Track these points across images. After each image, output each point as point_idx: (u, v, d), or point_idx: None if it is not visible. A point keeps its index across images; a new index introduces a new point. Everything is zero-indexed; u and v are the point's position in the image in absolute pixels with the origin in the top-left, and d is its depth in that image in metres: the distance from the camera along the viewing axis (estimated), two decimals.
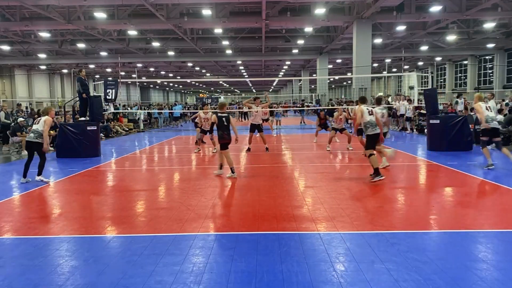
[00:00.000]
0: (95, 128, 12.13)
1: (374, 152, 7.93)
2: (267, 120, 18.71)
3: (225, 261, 4.04)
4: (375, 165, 7.73)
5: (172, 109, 30.15)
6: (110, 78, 17.62)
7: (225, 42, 30.18)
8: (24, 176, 8.20)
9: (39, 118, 8.37)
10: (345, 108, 15.11)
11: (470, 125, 12.41)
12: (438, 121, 11.92)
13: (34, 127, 8.21)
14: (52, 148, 13.73)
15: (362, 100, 8.52)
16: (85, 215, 5.88)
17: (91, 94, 13.13)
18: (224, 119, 8.36)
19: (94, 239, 4.83)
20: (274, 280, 3.59)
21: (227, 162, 8.47)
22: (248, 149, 12.48)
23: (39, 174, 8.13)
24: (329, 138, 12.86)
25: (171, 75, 53.20)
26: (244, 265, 3.91)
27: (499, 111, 16.84)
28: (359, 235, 4.72)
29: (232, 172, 8.40)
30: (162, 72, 50.70)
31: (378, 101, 9.66)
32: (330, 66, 40.21)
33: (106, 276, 3.75)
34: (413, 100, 16.72)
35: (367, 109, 8.11)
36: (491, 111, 9.01)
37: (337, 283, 3.51)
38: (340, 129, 12.91)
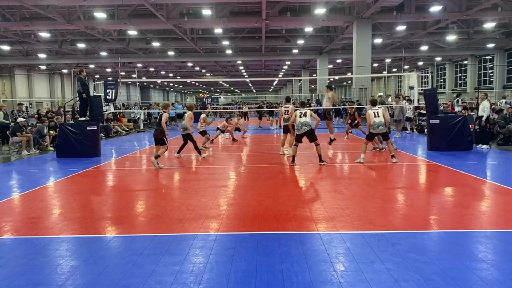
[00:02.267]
0: (95, 128, 12.13)
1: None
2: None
3: (225, 261, 4.04)
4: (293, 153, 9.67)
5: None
6: (110, 78, 17.63)
7: (225, 42, 30.18)
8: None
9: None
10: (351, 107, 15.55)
11: (470, 125, 12.41)
12: (438, 121, 11.91)
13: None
14: (52, 148, 13.75)
15: (301, 105, 10.49)
16: (85, 215, 5.88)
17: (91, 94, 13.13)
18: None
19: (94, 239, 4.84)
20: (274, 280, 3.59)
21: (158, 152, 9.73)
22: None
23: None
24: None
25: (171, 75, 53.19)
26: (244, 265, 3.91)
27: (498, 112, 16.86)
28: (359, 235, 4.72)
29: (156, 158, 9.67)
30: (162, 72, 50.69)
31: (373, 103, 10.19)
32: (330, 66, 40.21)
33: (106, 276, 3.75)
34: (413, 100, 16.72)
35: (300, 112, 9.59)
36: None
37: (337, 283, 3.51)
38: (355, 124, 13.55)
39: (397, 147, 11.95)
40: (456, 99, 19.04)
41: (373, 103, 10.21)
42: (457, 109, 17.78)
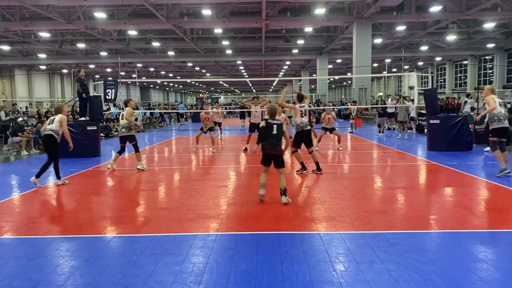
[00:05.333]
0: (95, 128, 12.13)
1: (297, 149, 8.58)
2: None
3: (225, 261, 4.04)
4: (299, 159, 8.55)
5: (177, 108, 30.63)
6: (110, 78, 17.60)
7: (225, 42, 30.19)
8: (58, 177, 7.92)
9: (52, 118, 8.05)
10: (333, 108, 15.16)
11: (470, 125, 12.40)
12: (438, 121, 11.92)
13: (49, 127, 7.88)
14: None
15: (299, 99, 8.79)
16: (85, 215, 5.88)
17: (91, 94, 13.13)
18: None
19: (94, 239, 4.83)
20: (274, 280, 3.58)
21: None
22: (245, 149, 12.42)
23: (38, 176, 7.68)
24: (318, 137, 12.87)
25: (171, 75, 53.20)
26: (244, 265, 3.91)
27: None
28: (359, 235, 4.72)
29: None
30: (162, 72, 50.71)
31: (300, 98, 8.79)
32: (330, 66, 40.23)
33: (106, 276, 3.74)
34: (414, 100, 16.70)
35: (301, 110, 8.51)
36: (504, 107, 7.94)
37: (337, 283, 3.51)
38: (330, 129, 12.92)
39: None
40: (465, 100, 18.87)
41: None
42: (466, 109, 17.67)
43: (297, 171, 8.71)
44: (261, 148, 6.42)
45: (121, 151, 9.65)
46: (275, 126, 6.36)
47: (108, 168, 9.59)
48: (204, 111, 12.82)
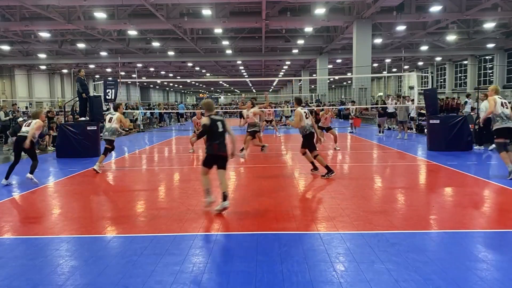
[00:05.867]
0: (95, 128, 12.13)
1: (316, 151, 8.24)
2: (270, 121, 18.67)
3: (225, 261, 4.04)
4: (323, 163, 8.14)
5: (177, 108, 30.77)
6: (110, 78, 17.60)
7: (225, 42, 30.19)
8: (7, 178, 8.02)
9: (29, 121, 8.24)
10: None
11: (470, 125, 12.40)
12: (438, 121, 11.91)
13: (24, 129, 8.06)
14: (52, 148, 13.74)
15: (298, 102, 8.56)
16: (85, 215, 5.88)
17: (91, 94, 13.13)
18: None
19: (94, 239, 4.83)
20: (274, 280, 3.58)
21: None
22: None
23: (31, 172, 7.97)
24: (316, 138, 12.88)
25: (171, 75, 53.20)
26: (244, 265, 3.91)
27: None
28: (359, 235, 4.72)
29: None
30: (162, 72, 50.70)
31: (299, 102, 8.75)
32: (330, 66, 40.23)
33: (106, 276, 3.74)
34: (414, 100, 16.69)
35: (305, 112, 8.22)
36: (507, 107, 7.72)
37: (337, 283, 3.51)
38: (326, 128, 12.92)
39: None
40: (465, 100, 18.83)
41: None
42: (466, 109, 17.65)
43: (323, 175, 8.17)
44: (207, 148, 5.84)
45: (111, 150, 9.67)
46: (219, 123, 5.75)
47: (94, 169, 9.24)
48: (196, 116, 12.84)
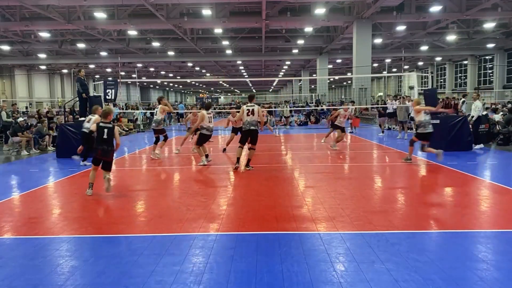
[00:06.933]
0: None
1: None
2: (265, 122, 18.62)
3: (225, 261, 4.04)
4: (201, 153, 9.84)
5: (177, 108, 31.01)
6: (110, 78, 17.63)
7: (225, 42, 30.18)
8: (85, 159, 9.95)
9: (89, 117, 9.74)
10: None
11: (470, 125, 12.41)
12: (438, 121, 11.90)
13: (86, 125, 9.52)
14: (52, 148, 13.74)
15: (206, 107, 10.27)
16: (85, 215, 5.88)
17: (91, 94, 13.12)
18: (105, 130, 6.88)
19: (94, 239, 4.83)
20: (274, 280, 3.59)
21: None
22: (224, 150, 12.58)
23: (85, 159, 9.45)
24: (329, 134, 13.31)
25: (171, 75, 53.20)
26: (244, 265, 3.91)
27: (495, 110, 16.86)
28: (359, 235, 4.72)
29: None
30: (162, 72, 50.70)
31: (250, 99, 9.59)
32: (330, 66, 40.23)
33: (106, 276, 3.74)
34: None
35: (247, 109, 9.01)
36: (427, 114, 9.48)
37: (337, 283, 3.51)
38: (342, 128, 12.59)
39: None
40: (462, 100, 18.83)
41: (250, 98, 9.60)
42: (463, 109, 17.63)
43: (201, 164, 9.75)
44: (94, 150, 6.90)
45: (165, 138, 11.48)
46: (106, 130, 6.60)
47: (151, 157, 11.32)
48: (207, 112, 12.85)
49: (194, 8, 22.46)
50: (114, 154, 7.21)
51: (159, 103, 11.52)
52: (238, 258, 4.08)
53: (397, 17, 21.66)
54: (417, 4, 21.69)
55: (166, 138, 11.51)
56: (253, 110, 9.03)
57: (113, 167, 9.58)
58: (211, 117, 10.07)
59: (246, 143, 9.23)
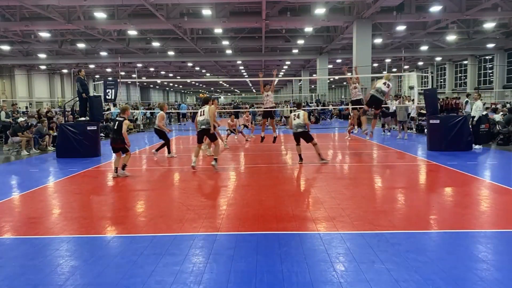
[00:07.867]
0: (95, 128, 12.13)
1: None
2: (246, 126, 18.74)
3: (225, 261, 4.04)
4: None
5: (178, 108, 30.91)
6: (110, 78, 17.60)
7: (225, 42, 30.17)
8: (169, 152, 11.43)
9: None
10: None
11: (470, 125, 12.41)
12: (438, 121, 11.91)
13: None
14: (52, 148, 13.73)
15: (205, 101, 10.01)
16: (85, 215, 5.88)
17: (91, 94, 13.12)
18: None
19: (94, 239, 4.83)
20: (274, 280, 3.59)
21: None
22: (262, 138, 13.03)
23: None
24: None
25: (171, 75, 53.19)
26: (244, 265, 3.91)
27: (495, 110, 16.85)
28: (359, 235, 4.72)
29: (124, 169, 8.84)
30: (162, 72, 50.69)
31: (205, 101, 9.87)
32: (330, 66, 40.20)
33: (106, 276, 3.75)
34: (414, 100, 16.65)
35: (202, 109, 9.39)
36: (387, 87, 10.40)
37: (337, 283, 3.51)
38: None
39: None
40: (466, 100, 18.81)
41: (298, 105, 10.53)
42: (467, 109, 17.61)
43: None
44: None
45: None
46: (117, 122, 8.58)
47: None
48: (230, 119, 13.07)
49: (194, 8, 22.45)
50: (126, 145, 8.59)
51: (207, 104, 9.90)
52: (238, 258, 4.08)
53: (397, 17, 21.64)
54: (417, 4, 21.67)
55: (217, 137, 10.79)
56: (203, 111, 9.35)
57: (113, 167, 9.60)
58: (203, 111, 9.56)
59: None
